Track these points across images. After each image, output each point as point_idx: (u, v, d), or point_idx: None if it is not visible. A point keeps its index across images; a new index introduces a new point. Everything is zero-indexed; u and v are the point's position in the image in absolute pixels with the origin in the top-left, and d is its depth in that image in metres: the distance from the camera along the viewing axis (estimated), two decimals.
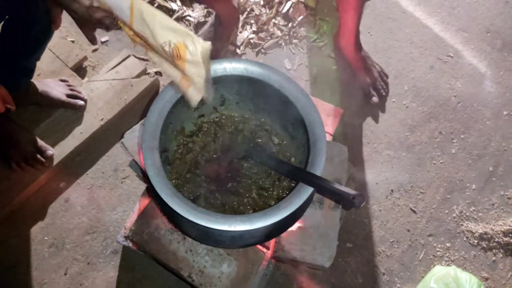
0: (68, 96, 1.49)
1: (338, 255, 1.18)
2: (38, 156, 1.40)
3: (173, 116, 1.03)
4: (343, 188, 0.83)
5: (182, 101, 1.02)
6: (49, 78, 1.53)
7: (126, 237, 1.21)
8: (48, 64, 1.57)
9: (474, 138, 1.65)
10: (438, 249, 1.44)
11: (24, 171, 1.39)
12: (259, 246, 1.18)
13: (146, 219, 1.15)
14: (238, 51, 1.76)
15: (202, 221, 0.86)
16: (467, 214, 1.50)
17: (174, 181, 1.08)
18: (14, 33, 1.21)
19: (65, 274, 1.34)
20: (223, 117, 1.17)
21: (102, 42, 1.72)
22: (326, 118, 1.41)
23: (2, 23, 1.18)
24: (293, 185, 1.08)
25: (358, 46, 1.63)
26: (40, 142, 1.42)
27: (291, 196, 0.90)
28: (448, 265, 1.41)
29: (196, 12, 1.82)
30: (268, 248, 1.19)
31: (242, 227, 0.86)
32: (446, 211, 1.50)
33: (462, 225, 1.48)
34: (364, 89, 1.67)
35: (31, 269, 1.34)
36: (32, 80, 1.43)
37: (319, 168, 0.91)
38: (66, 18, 1.09)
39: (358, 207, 0.78)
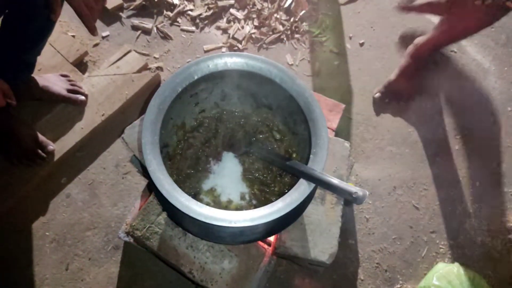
0: (69, 91, 1.49)
1: (340, 252, 1.17)
2: (39, 151, 1.39)
3: (174, 111, 1.01)
4: (344, 184, 0.82)
5: (182, 96, 1.02)
6: (50, 73, 1.52)
7: (127, 233, 1.21)
8: (48, 59, 1.57)
9: (477, 134, 1.63)
10: (441, 246, 1.43)
11: (25, 166, 1.39)
12: (260, 243, 1.17)
13: (147, 215, 1.14)
14: (239, 46, 1.75)
15: (203, 217, 0.85)
16: (471, 211, 1.49)
17: (174, 176, 1.07)
18: (15, 27, 1.21)
19: (67, 270, 1.34)
20: (224, 112, 1.16)
21: (103, 37, 1.71)
22: (328, 113, 1.40)
23: (2, 17, 1.17)
24: (294, 180, 1.07)
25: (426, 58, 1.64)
26: (41, 137, 1.42)
27: (292, 192, 0.89)
28: (451, 262, 1.40)
29: (198, 9, 1.80)
30: (269, 245, 1.19)
31: (243, 223, 0.85)
32: (449, 208, 1.49)
33: (465, 222, 1.47)
34: (393, 92, 1.66)
35: (33, 265, 1.34)
36: (33, 75, 1.43)
37: (320, 164, 0.90)
38: (66, 13, 1.08)
39: (360, 203, 0.77)
